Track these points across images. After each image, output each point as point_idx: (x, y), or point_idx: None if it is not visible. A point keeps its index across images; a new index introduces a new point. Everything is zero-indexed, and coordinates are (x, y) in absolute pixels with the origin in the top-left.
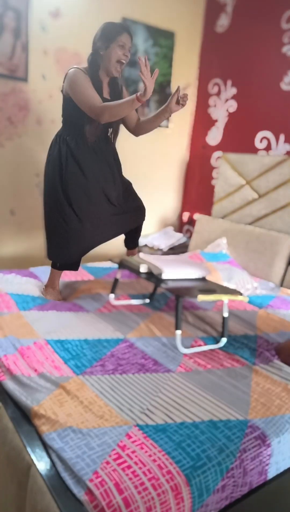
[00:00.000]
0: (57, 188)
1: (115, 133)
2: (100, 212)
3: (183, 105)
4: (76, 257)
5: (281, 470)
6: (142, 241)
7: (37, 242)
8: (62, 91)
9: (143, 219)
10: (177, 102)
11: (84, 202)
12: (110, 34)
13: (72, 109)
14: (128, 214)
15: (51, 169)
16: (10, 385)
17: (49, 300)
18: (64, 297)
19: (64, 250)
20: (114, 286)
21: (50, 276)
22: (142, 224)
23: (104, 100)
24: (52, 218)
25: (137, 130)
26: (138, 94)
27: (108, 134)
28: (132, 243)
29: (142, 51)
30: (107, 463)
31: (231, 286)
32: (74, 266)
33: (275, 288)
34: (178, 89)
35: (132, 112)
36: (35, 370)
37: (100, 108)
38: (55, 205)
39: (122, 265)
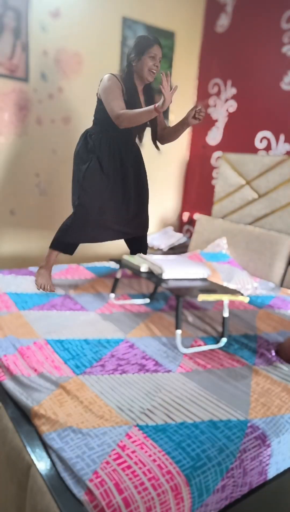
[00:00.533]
0: (78, 176)
1: (140, 138)
2: (107, 210)
3: (199, 120)
4: (74, 238)
5: (281, 470)
6: None
7: (37, 242)
8: (97, 94)
9: (144, 232)
10: (194, 117)
11: (96, 196)
12: (142, 46)
13: (103, 111)
14: (131, 224)
15: (77, 159)
16: (10, 385)
17: (48, 300)
18: (55, 289)
19: (66, 228)
20: (115, 286)
21: (47, 256)
22: (145, 236)
23: (139, 107)
24: (74, 202)
25: (163, 137)
26: (156, 105)
27: (134, 139)
28: (136, 250)
29: None
30: (107, 463)
31: (231, 286)
32: (69, 249)
33: (275, 288)
34: (196, 105)
35: (162, 120)
36: (35, 370)
37: (120, 115)
38: (76, 191)
39: (122, 264)
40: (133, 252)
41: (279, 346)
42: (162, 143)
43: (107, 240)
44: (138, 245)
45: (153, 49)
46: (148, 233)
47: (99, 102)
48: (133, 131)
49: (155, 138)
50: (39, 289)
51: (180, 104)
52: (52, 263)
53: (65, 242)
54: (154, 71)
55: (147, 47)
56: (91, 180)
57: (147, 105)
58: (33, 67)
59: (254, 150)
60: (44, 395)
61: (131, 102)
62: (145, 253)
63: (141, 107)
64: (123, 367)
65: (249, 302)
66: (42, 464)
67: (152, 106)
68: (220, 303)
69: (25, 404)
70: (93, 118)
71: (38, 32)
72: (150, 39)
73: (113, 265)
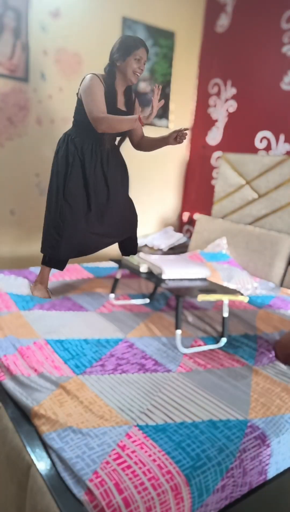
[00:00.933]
0: (59, 184)
1: (122, 141)
2: (92, 218)
3: (179, 143)
4: (65, 254)
5: (281, 470)
6: (142, 241)
7: (37, 242)
8: (77, 94)
9: (133, 233)
10: (175, 138)
11: (80, 203)
12: (127, 47)
13: (84, 112)
14: (119, 228)
15: (56, 165)
16: (10, 385)
17: (48, 300)
18: (53, 295)
19: (56, 245)
20: (114, 286)
21: (40, 272)
22: (135, 235)
23: (119, 111)
24: (51, 212)
25: (139, 146)
26: (141, 116)
27: (116, 142)
28: (126, 252)
29: None
30: (107, 463)
31: (231, 286)
32: (60, 265)
33: (275, 288)
34: (182, 128)
35: (139, 128)
36: (35, 370)
37: (100, 118)
38: (56, 200)
39: (122, 265)
40: (125, 254)
41: (274, 344)
42: (138, 149)
43: (99, 250)
44: (130, 247)
45: (139, 52)
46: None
47: (79, 102)
48: (115, 136)
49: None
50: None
51: (180, 104)
52: (47, 278)
53: (56, 259)
54: (138, 74)
55: (133, 49)
56: (74, 189)
57: (126, 107)
58: (33, 67)
59: (254, 150)
60: (44, 395)
61: (110, 103)
62: (134, 253)
63: (120, 110)
64: (122, 367)
65: (249, 302)
66: (42, 464)
67: (135, 116)
68: (220, 303)
69: (25, 404)
70: (72, 119)
71: (38, 32)
72: (136, 40)
73: (113, 265)
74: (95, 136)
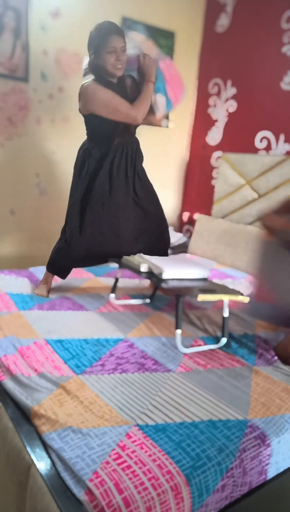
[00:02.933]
0: (78, 194)
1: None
2: (110, 226)
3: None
4: (71, 263)
5: (281, 470)
6: None
7: (37, 242)
8: (79, 110)
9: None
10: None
11: (97, 214)
12: (97, 42)
13: (97, 125)
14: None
15: (77, 176)
16: (10, 385)
17: (48, 300)
18: (53, 294)
19: (64, 253)
20: (115, 286)
21: (44, 275)
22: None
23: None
24: (68, 218)
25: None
26: (149, 78)
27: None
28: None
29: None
30: (107, 463)
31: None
32: (63, 273)
33: None
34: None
35: None
36: (35, 370)
37: (135, 111)
38: (72, 207)
39: (122, 264)
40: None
41: (277, 346)
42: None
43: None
44: (160, 248)
45: (110, 42)
46: None
47: (89, 118)
48: (130, 128)
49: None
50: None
51: (180, 104)
52: (51, 281)
53: (61, 266)
54: (120, 66)
55: (102, 42)
56: (98, 196)
57: (131, 95)
58: (33, 67)
59: (254, 150)
60: (44, 395)
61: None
62: (166, 254)
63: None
64: (122, 367)
65: None
66: (42, 464)
67: (149, 83)
68: (220, 302)
69: (25, 404)
70: (87, 133)
71: (38, 32)
72: (104, 30)
73: (113, 265)
74: (109, 141)
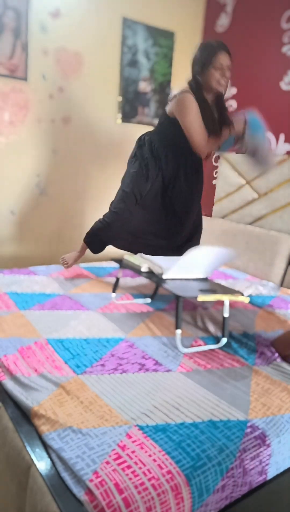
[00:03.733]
0: (138, 187)
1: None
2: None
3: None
4: (104, 239)
5: (281, 470)
6: None
7: (37, 242)
8: (167, 109)
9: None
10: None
11: (132, 208)
12: (205, 57)
13: (175, 134)
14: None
15: (142, 165)
16: (10, 385)
17: (49, 299)
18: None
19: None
20: (116, 286)
21: (81, 247)
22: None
23: (215, 121)
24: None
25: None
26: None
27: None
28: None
29: (142, 51)
30: (107, 463)
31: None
32: (96, 248)
33: (275, 288)
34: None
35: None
36: (35, 370)
37: (203, 147)
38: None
39: (123, 264)
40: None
41: (274, 340)
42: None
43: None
44: None
45: (218, 59)
46: None
47: (171, 121)
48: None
49: None
50: (60, 261)
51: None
52: (82, 254)
53: (98, 240)
54: (223, 83)
55: (211, 57)
56: (150, 201)
57: (219, 118)
58: (33, 67)
59: None
60: (44, 395)
61: (206, 120)
62: None
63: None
64: (123, 367)
65: (249, 302)
66: (42, 464)
67: (230, 127)
68: (220, 302)
69: (25, 404)
70: (158, 130)
71: (38, 32)
72: (213, 46)
73: (114, 265)
74: (182, 157)
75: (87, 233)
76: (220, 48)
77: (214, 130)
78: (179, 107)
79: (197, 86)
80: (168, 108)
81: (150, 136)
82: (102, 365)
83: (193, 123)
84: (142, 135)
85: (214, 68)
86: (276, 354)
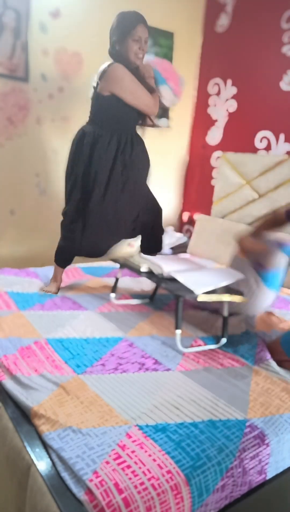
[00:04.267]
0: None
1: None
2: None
3: None
4: (79, 249)
5: (281, 469)
6: None
7: (37, 242)
8: (95, 88)
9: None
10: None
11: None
12: (124, 28)
13: (117, 109)
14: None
15: (74, 161)
16: (10, 385)
17: (49, 299)
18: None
19: (72, 239)
20: (115, 286)
21: (54, 271)
22: (157, 230)
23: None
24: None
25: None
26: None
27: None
28: (149, 251)
29: None
30: (107, 462)
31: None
32: (63, 262)
33: None
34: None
35: None
36: (35, 370)
37: (155, 102)
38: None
39: (123, 264)
40: (147, 253)
41: (268, 345)
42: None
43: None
44: (153, 245)
45: (136, 31)
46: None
47: (112, 99)
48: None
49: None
50: (41, 290)
51: (180, 104)
52: (60, 277)
53: (66, 251)
54: (141, 56)
55: (129, 29)
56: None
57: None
58: (33, 67)
59: (254, 150)
60: (44, 395)
61: (140, 82)
62: (159, 251)
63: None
64: (123, 366)
65: None
66: (42, 464)
67: (148, 78)
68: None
69: (25, 404)
70: (92, 117)
71: (38, 32)
72: (132, 18)
73: (113, 265)
74: (123, 128)
75: None
76: (139, 21)
77: (150, 89)
78: (111, 80)
79: (118, 58)
80: (100, 86)
81: (86, 129)
82: (102, 364)
83: (137, 88)
84: (77, 134)
85: (133, 40)
86: (269, 357)
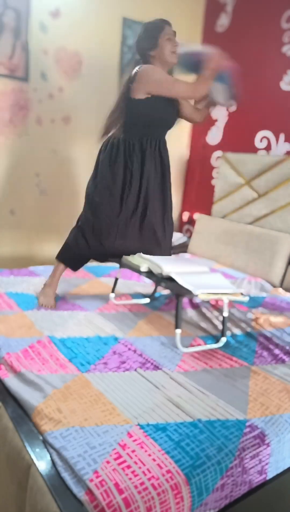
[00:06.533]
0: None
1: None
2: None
3: None
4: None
5: (281, 469)
6: None
7: (37, 242)
8: (125, 93)
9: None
10: None
11: (116, 206)
12: (154, 32)
13: (147, 110)
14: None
15: (107, 169)
16: (14, 384)
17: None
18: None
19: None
20: (115, 286)
21: (52, 273)
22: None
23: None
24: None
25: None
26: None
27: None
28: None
29: None
30: (108, 462)
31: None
32: (76, 264)
33: (270, 288)
34: None
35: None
36: (39, 369)
37: (197, 89)
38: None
39: (122, 264)
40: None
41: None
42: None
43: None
44: None
45: (166, 30)
46: None
47: (150, 101)
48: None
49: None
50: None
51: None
52: (56, 283)
53: (80, 254)
54: (175, 52)
55: (159, 31)
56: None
57: None
58: (33, 67)
59: (254, 150)
60: (47, 393)
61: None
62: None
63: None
64: (125, 365)
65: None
66: (42, 463)
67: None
68: (220, 302)
69: (29, 403)
70: (123, 125)
71: (38, 32)
72: (157, 23)
73: (113, 265)
74: (154, 136)
75: None
76: (165, 22)
77: (170, 100)
78: (145, 79)
79: (154, 59)
80: (133, 88)
81: (118, 137)
82: (105, 363)
83: (167, 78)
84: (106, 141)
85: (166, 39)
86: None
